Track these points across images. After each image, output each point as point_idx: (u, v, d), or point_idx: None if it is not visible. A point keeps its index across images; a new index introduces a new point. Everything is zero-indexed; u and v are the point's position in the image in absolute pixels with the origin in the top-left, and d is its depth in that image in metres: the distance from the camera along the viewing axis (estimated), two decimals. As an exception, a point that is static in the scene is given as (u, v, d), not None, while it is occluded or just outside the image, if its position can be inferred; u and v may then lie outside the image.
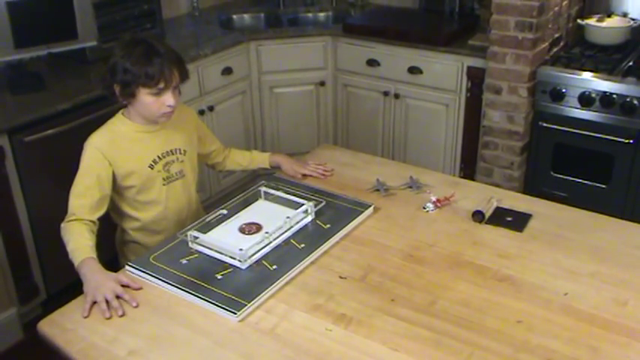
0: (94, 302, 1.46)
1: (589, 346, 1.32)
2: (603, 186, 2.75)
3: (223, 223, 1.73)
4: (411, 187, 1.93)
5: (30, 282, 2.48)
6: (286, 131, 3.44)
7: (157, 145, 1.79)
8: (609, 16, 2.97)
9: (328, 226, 1.71)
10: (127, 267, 1.60)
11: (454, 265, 1.59)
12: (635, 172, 2.66)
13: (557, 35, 2.89)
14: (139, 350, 1.34)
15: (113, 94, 1.73)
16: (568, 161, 2.82)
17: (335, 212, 1.77)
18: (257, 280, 1.50)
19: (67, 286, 2.50)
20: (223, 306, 1.42)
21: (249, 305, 1.43)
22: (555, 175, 2.86)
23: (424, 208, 1.82)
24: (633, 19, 2.93)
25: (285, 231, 1.67)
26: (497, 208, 1.80)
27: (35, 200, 2.41)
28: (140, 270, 1.56)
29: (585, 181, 2.79)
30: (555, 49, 2.89)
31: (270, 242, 1.63)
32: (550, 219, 1.77)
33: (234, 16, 3.61)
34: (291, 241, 1.65)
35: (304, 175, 1.98)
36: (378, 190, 1.91)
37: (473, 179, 2.93)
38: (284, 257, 1.59)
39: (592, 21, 2.95)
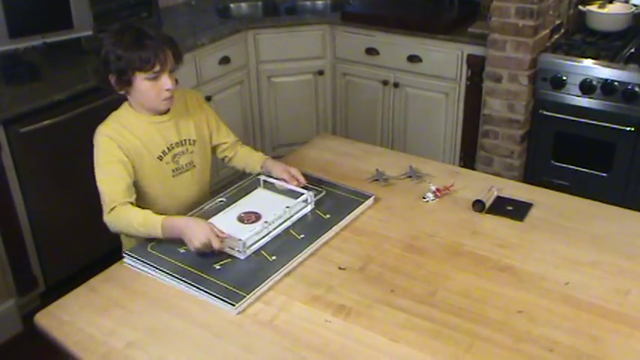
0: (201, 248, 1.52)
1: (590, 335, 1.31)
2: (604, 174, 2.74)
3: (222, 212, 1.71)
4: (410, 176, 1.91)
5: (28, 273, 2.47)
6: (285, 121, 3.42)
7: (166, 136, 1.77)
8: (611, 2, 2.95)
9: (328, 216, 1.69)
10: (124, 255, 1.58)
11: (454, 255, 1.57)
12: (636, 160, 2.64)
13: (558, 22, 2.87)
14: (136, 342, 1.33)
15: (109, 86, 1.70)
16: (569, 150, 2.80)
17: (335, 202, 1.75)
18: (256, 271, 1.49)
19: (65, 277, 2.50)
20: (222, 297, 1.41)
21: (247, 297, 1.41)
22: (556, 163, 2.84)
23: (424, 198, 1.81)
24: (635, 5, 2.91)
25: (285, 221, 1.66)
26: (498, 198, 1.79)
27: (33, 191, 2.40)
28: (137, 259, 1.55)
29: (586, 170, 2.77)
30: (556, 36, 2.87)
31: (270, 232, 1.62)
32: (551, 208, 1.76)
33: (232, 5, 3.58)
34: (291, 231, 1.64)
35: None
36: (377, 180, 1.90)
37: (473, 168, 2.92)
38: (283, 247, 1.57)
39: (593, 7, 2.92)
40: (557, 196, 1.84)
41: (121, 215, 1.63)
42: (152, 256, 1.55)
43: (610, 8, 2.91)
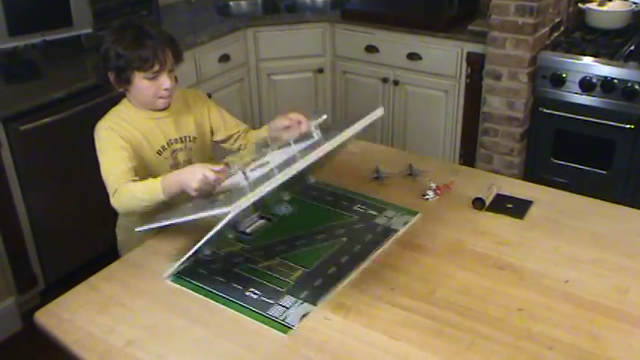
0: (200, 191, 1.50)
1: (590, 333, 1.31)
2: (604, 172, 2.74)
3: (234, 176, 1.63)
4: (410, 174, 1.91)
5: (28, 271, 2.47)
6: (285, 119, 3.42)
7: (166, 131, 1.77)
8: (610, -1, 2.95)
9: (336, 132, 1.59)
10: (136, 230, 1.58)
11: (454, 253, 1.57)
12: (636, 158, 2.64)
13: (557, 20, 2.86)
14: (136, 340, 1.33)
15: (108, 82, 1.70)
16: (569, 147, 2.80)
17: (343, 128, 1.64)
18: (259, 183, 1.39)
19: (65, 275, 2.50)
20: (222, 210, 1.32)
21: (248, 197, 1.30)
22: (556, 161, 2.84)
23: (424, 195, 1.80)
24: (635, 3, 2.91)
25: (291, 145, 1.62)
26: (498, 195, 1.79)
27: (32, 189, 2.40)
28: (150, 224, 1.56)
29: (586, 168, 2.77)
30: (556, 34, 2.87)
31: (274, 157, 1.57)
32: (551, 206, 1.75)
33: (231, 3, 3.58)
34: (297, 155, 1.54)
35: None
36: (377, 177, 1.90)
37: (473, 166, 2.92)
38: (287, 163, 1.46)
39: (593, 5, 2.92)
40: (557, 193, 1.84)
41: (123, 191, 1.62)
42: (162, 218, 1.55)
43: (610, 6, 2.90)
